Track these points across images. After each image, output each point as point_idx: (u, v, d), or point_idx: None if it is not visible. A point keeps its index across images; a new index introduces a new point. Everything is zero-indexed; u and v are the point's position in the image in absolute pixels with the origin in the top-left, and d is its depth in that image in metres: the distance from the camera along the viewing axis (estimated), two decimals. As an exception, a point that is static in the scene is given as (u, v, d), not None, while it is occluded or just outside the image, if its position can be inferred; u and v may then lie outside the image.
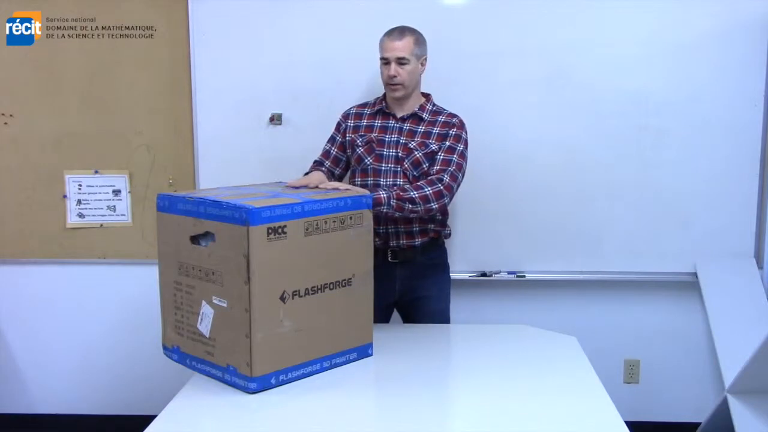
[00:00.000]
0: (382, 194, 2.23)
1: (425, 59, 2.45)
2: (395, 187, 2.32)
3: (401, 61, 2.37)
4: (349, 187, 2.26)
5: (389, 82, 2.40)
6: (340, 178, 2.56)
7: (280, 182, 2.40)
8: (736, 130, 2.87)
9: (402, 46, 2.37)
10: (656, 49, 2.84)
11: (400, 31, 2.39)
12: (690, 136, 2.87)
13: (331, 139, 2.58)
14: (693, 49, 2.83)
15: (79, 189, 3.03)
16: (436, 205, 2.33)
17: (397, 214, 2.29)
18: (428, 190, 2.30)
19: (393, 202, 2.24)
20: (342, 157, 2.55)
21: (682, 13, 2.82)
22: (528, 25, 2.84)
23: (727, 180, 2.89)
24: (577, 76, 2.85)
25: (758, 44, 2.82)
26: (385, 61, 2.39)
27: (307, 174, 2.46)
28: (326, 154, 2.57)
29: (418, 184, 2.33)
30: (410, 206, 2.27)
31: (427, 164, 2.41)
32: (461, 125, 2.46)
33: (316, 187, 2.23)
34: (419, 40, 2.41)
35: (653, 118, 2.86)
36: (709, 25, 2.82)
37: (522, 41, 2.85)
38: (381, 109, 2.50)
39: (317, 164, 2.56)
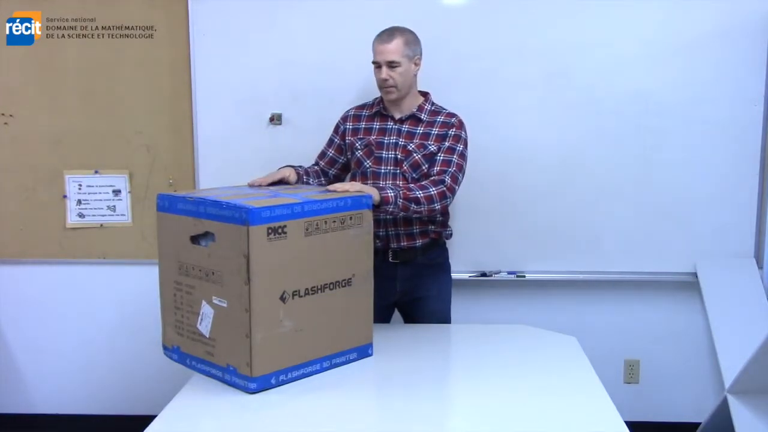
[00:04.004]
0: (390, 193, 2.21)
1: (419, 58, 2.42)
2: (401, 186, 2.31)
3: (392, 64, 2.35)
4: (362, 186, 2.21)
5: (382, 86, 2.39)
6: (336, 178, 2.56)
7: (280, 182, 2.40)
8: (737, 130, 2.87)
9: (391, 49, 2.34)
10: (656, 49, 2.84)
11: (389, 33, 2.36)
12: (690, 136, 2.87)
13: (329, 141, 2.58)
14: (693, 49, 2.83)
15: (79, 189, 3.03)
16: (439, 206, 2.33)
17: (401, 214, 2.29)
18: (432, 191, 2.30)
19: (399, 202, 2.23)
20: (338, 159, 2.55)
21: (683, 13, 2.82)
22: (528, 25, 2.84)
23: (727, 180, 2.89)
24: (577, 76, 2.85)
25: (758, 44, 2.82)
26: (377, 65, 2.38)
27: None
28: (322, 155, 2.58)
29: (422, 184, 2.33)
30: (415, 206, 2.27)
31: (426, 166, 2.40)
32: (460, 125, 2.45)
33: (280, 181, 2.30)
34: (409, 40, 2.38)
35: (653, 118, 2.86)
36: (710, 25, 2.82)
37: (522, 41, 2.85)
38: (379, 110, 2.49)
39: (313, 164, 2.58)
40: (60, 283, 3.11)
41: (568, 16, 2.83)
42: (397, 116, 2.46)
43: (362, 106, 2.56)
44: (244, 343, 1.82)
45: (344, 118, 2.56)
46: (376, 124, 2.49)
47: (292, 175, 2.36)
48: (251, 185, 2.28)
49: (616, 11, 2.82)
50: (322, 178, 2.55)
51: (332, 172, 2.56)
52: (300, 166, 2.49)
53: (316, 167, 2.56)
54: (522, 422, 1.75)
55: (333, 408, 1.81)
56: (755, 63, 2.83)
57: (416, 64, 2.42)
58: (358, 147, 2.48)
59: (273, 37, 2.87)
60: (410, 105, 2.46)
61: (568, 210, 2.91)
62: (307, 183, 2.46)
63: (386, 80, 2.36)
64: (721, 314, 2.84)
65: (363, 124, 2.51)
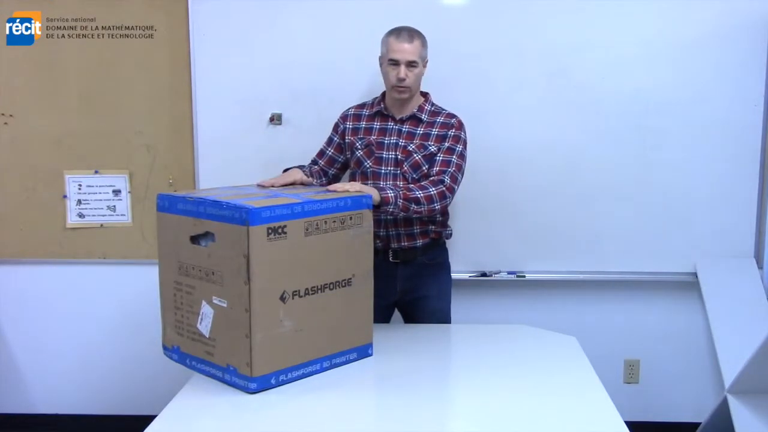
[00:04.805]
0: (390, 193, 2.21)
1: (427, 61, 2.45)
2: (401, 187, 2.32)
3: (411, 64, 2.36)
4: (362, 187, 2.21)
5: (397, 85, 2.37)
6: (335, 178, 2.56)
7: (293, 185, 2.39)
8: (737, 131, 2.86)
9: (413, 50, 2.35)
10: (656, 49, 2.84)
11: (410, 34, 2.37)
12: (690, 136, 2.87)
13: (328, 140, 2.58)
14: (693, 49, 2.83)
15: (79, 189, 3.03)
16: (439, 206, 2.33)
17: (401, 214, 2.29)
18: (432, 191, 2.30)
19: (399, 202, 2.23)
20: (338, 158, 2.55)
21: (683, 14, 2.82)
22: (528, 26, 2.84)
23: (727, 180, 2.89)
24: (577, 76, 2.85)
25: (758, 44, 2.82)
26: (394, 62, 2.37)
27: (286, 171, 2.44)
28: (321, 153, 2.58)
29: (422, 184, 2.33)
30: (415, 206, 2.27)
31: (426, 166, 2.40)
32: (460, 125, 2.45)
33: (292, 183, 2.29)
34: (424, 42, 2.41)
35: (653, 118, 2.86)
36: (710, 25, 2.82)
37: (522, 41, 2.85)
38: (380, 110, 2.49)
39: (311, 163, 2.57)
40: (60, 283, 3.11)
41: (567, 16, 2.83)
42: (398, 116, 2.46)
43: (362, 106, 2.56)
44: (244, 343, 1.82)
45: (344, 118, 2.56)
46: (377, 124, 2.49)
47: (303, 178, 2.36)
48: (261, 185, 2.26)
49: (616, 11, 2.82)
50: (324, 179, 2.55)
51: (331, 171, 2.56)
52: (302, 166, 2.49)
53: (316, 167, 2.55)
54: (522, 422, 1.75)
55: (333, 408, 1.81)
56: (755, 63, 2.83)
57: (425, 67, 2.44)
58: (359, 147, 2.48)
59: (273, 37, 2.87)
60: (412, 105, 2.47)
61: (568, 210, 2.91)
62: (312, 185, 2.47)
63: (403, 79, 2.35)
64: (721, 314, 2.84)
65: (363, 124, 2.51)
